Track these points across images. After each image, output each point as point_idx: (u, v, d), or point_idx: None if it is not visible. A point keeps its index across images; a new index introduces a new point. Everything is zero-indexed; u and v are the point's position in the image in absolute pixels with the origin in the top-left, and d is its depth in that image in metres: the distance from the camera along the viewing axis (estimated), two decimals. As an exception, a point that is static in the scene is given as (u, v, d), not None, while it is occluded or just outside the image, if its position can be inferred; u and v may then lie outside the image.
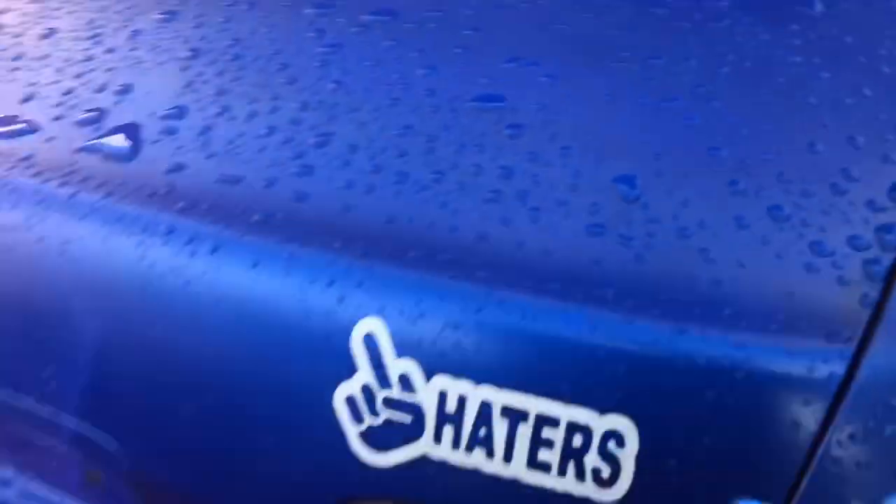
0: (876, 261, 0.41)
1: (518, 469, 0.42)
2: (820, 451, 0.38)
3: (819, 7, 0.55)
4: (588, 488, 0.41)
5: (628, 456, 0.40)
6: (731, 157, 0.46)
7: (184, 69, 0.56)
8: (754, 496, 0.38)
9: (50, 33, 0.61)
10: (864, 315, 0.39)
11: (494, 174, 0.46)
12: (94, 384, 0.52)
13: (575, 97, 0.50)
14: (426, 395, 0.42)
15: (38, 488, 0.79)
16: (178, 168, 0.49)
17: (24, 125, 0.53)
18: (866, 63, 0.51)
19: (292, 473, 0.47)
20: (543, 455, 0.41)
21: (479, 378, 0.41)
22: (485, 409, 0.41)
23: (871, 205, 0.42)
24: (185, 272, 0.45)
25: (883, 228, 0.42)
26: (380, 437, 0.44)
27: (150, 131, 0.52)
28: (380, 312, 0.42)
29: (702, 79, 0.50)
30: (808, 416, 0.38)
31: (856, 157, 0.45)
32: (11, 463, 0.81)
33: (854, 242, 0.42)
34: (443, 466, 0.43)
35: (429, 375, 0.42)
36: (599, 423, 0.40)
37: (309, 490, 0.47)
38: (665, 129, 0.48)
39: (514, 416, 0.41)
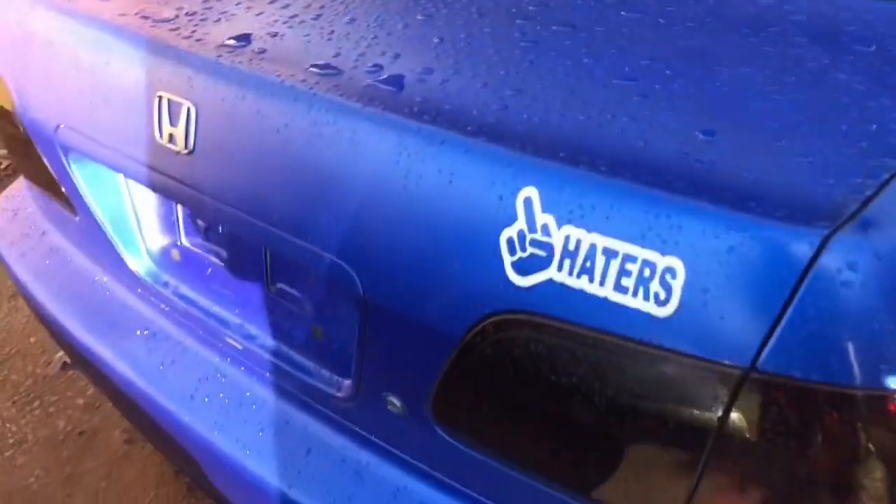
0: (859, 190, 0.63)
1: (608, 291, 0.67)
2: (800, 291, 0.61)
3: (873, 47, 0.78)
4: (651, 306, 0.65)
5: (678, 285, 0.64)
6: (781, 126, 0.70)
7: (433, 48, 0.87)
8: (756, 312, 0.62)
9: (351, 21, 0.94)
10: (842, 218, 0.62)
11: (624, 119, 0.73)
12: (348, 230, 0.82)
13: (687, 85, 0.76)
14: (557, 237, 0.68)
15: (272, 343, 1.11)
16: (426, 100, 0.79)
17: (334, 70, 0.86)
18: (893, 84, 0.73)
19: (466, 291, 0.75)
20: (625, 281, 0.66)
21: (590, 228, 0.67)
22: (592, 249, 0.67)
23: (863, 156, 0.65)
24: (424, 153, 0.75)
25: (869, 174, 0.65)
26: (524, 265, 0.71)
27: (409, 80, 0.83)
28: (536, 184, 0.69)
29: (772, 82, 0.75)
30: (793, 266, 0.61)
31: (864, 131, 0.68)
32: (255, 322, 1.13)
33: (848, 179, 0.64)
34: (560, 287, 0.69)
35: (560, 225, 0.68)
36: (661, 260, 0.64)
37: (472, 302, 0.74)
38: (740, 107, 0.73)
39: (609, 254, 0.66)
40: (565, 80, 0.79)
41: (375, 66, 0.86)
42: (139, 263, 1.23)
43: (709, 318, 0.64)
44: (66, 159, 1.18)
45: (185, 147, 0.94)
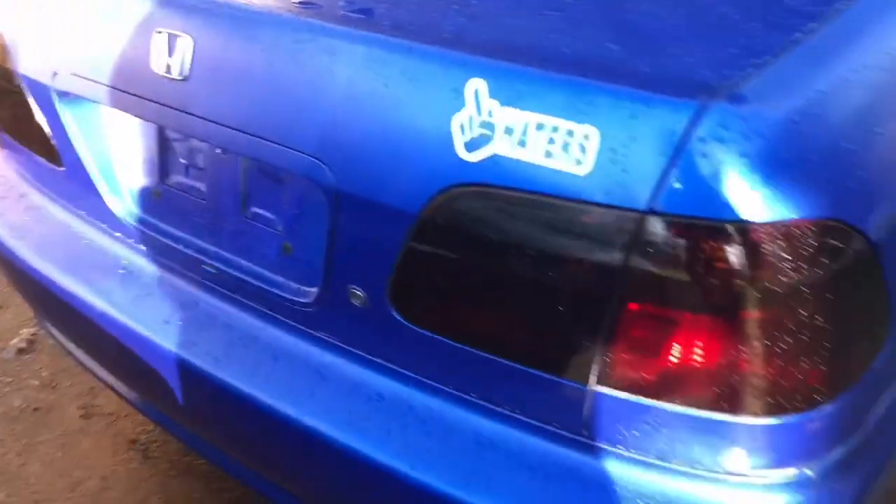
0: (730, 78, 0.82)
1: (539, 157, 0.84)
2: (686, 146, 0.78)
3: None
4: (571, 166, 0.82)
5: (592, 148, 0.81)
6: (673, 40, 0.89)
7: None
8: (651, 166, 0.79)
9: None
10: (715, 94, 0.80)
11: (553, 35, 0.91)
12: (324, 130, 0.98)
13: (601, 14, 0.96)
14: (499, 118, 0.85)
15: (245, 264, 1.23)
16: (393, 23, 0.97)
17: (314, 4, 1.03)
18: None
19: (424, 170, 0.90)
20: (550, 147, 0.83)
21: (525, 108, 0.84)
22: (526, 125, 0.84)
23: (734, 58, 0.84)
24: (391, 59, 0.91)
25: (738, 69, 0.83)
26: (473, 144, 0.87)
27: (378, 11, 1.00)
28: (483, 76, 0.86)
29: (669, 12, 0.94)
30: (679, 128, 0.78)
31: (737, 43, 0.88)
32: (231, 248, 1.26)
33: (722, 72, 0.83)
34: (502, 159, 0.85)
35: (502, 107, 0.85)
36: (579, 128, 0.82)
37: (430, 178, 0.90)
38: (642, 28, 0.92)
39: (540, 126, 0.83)
40: (507, 12, 0.98)
41: (349, 2, 1.03)
42: (121, 205, 1.35)
43: (616, 173, 0.81)
44: (61, 105, 1.31)
45: (181, 74, 1.09)
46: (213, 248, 1.26)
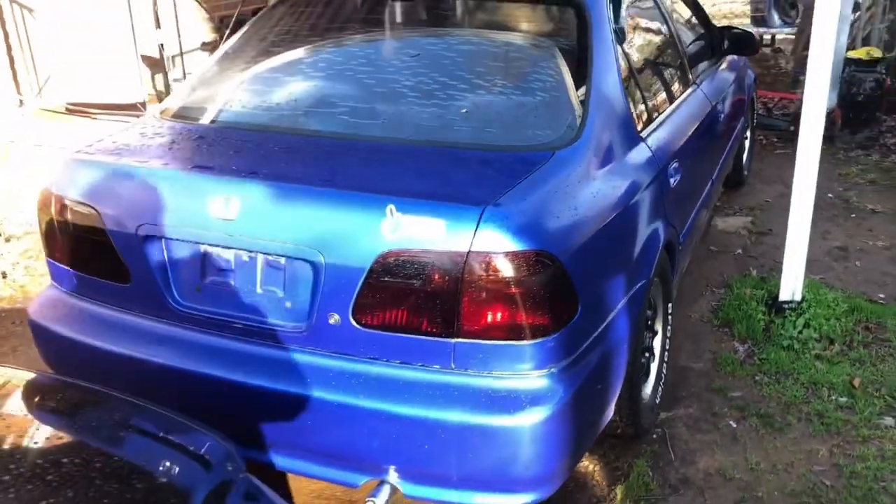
0: (497, 193, 1.99)
1: (430, 238, 1.95)
2: (478, 228, 1.93)
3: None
4: (438, 237, 1.95)
5: (442, 230, 1.94)
6: (455, 180, 2.07)
7: None
8: (463, 232, 1.93)
9: None
10: (488, 203, 1.96)
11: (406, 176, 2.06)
12: (311, 234, 2.05)
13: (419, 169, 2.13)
14: (401, 221, 1.97)
15: (253, 318, 2.23)
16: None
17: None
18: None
19: (368, 246, 1.99)
20: (433, 233, 1.95)
21: (417, 214, 1.97)
22: (419, 223, 1.96)
23: (496, 182, 2.03)
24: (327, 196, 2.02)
25: (503, 186, 2.02)
26: (393, 231, 1.98)
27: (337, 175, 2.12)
28: (392, 202, 1.99)
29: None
30: (475, 217, 1.93)
31: (501, 175, 2.06)
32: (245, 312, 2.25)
33: (491, 191, 2.01)
34: (408, 238, 1.96)
35: (403, 214, 1.97)
36: (442, 222, 1.95)
37: (371, 249, 1.99)
38: (445, 177, 2.09)
39: (426, 223, 1.96)
40: (390, 174, 2.12)
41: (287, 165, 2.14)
42: (173, 300, 2.31)
43: (453, 238, 1.94)
44: (142, 244, 2.29)
45: (231, 217, 2.13)
46: (238, 314, 2.24)
